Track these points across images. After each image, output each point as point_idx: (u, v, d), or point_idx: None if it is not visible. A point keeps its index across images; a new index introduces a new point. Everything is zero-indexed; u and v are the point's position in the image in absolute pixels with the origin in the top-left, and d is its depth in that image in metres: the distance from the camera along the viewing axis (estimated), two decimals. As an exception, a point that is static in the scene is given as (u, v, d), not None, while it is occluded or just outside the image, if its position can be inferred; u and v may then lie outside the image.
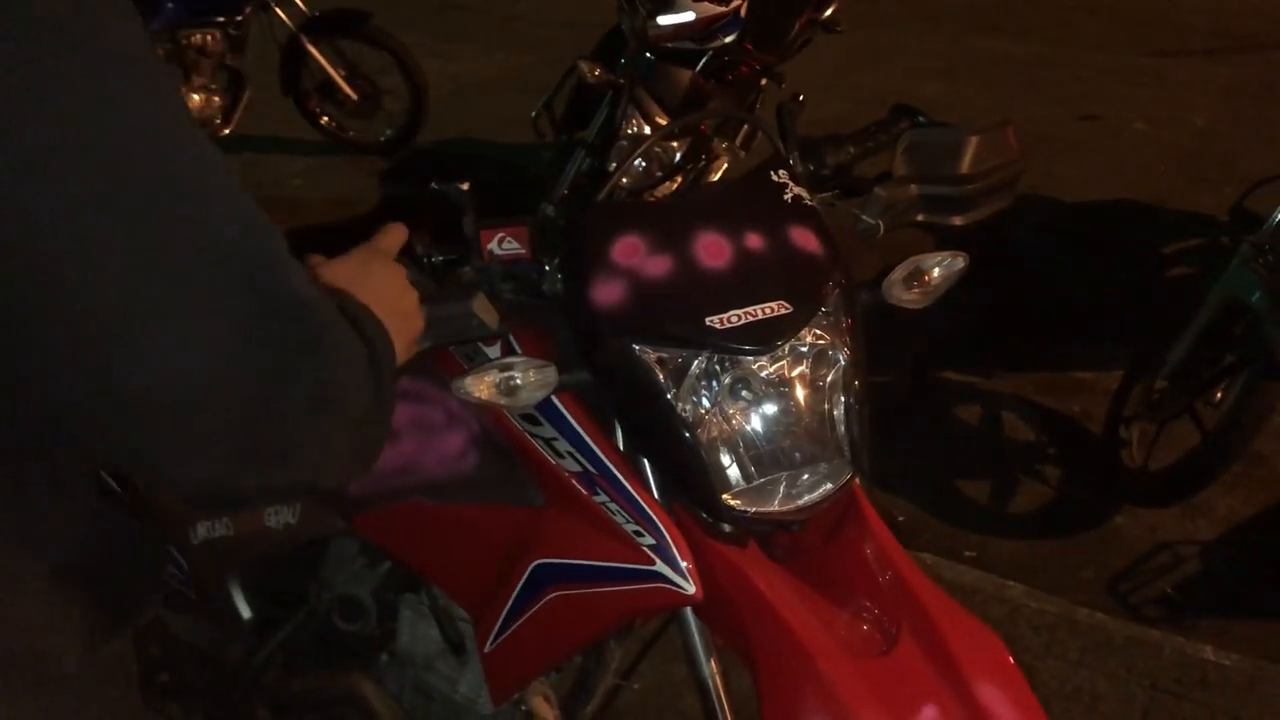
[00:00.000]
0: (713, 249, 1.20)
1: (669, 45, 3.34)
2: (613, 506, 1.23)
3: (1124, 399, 3.04)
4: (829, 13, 3.70)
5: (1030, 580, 2.69)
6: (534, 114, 3.75)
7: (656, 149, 3.39)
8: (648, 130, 3.42)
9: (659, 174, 3.43)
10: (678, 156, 3.45)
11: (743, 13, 3.33)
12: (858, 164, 1.49)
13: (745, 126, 3.51)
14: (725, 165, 3.57)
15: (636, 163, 3.41)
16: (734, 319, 1.15)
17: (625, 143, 3.36)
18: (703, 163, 3.52)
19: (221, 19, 5.00)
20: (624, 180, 3.38)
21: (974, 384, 3.55)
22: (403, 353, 0.98)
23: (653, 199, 3.26)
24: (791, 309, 1.17)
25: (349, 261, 1.00)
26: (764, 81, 3.64)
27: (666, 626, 1.53)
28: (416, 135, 5.35)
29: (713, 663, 1.27)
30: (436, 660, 1.53)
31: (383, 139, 5.45)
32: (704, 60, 3.40)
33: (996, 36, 7.01)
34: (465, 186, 1.27)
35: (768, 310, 1.16)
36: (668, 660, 2.01)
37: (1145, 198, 4.69)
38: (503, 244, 1.27)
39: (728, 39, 3.35)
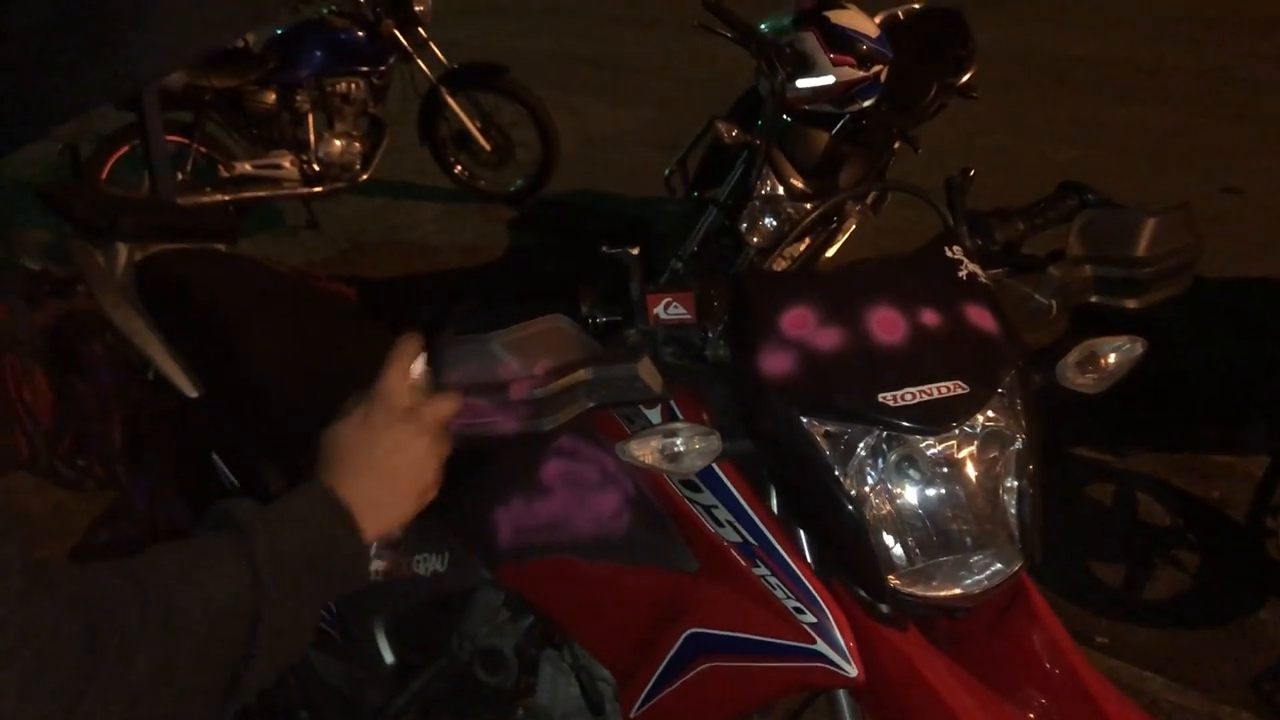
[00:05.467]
0: (886, 324, 1.18)
1: (807, 108, 3.35)
2: (773, 580, 1.22)
3: (1271, 487, 2.90)
4: (966, 78, 3.67)
5: (1165, 672, 2.58)
6: (667, 171, 3.79)
7: (789, 209, 3.39)
8: (781, 191, 3.42)
9: (789, 233, 3.42)
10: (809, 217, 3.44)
11: (882, 78, 3.32)
12: (1026, 240, 1.46)
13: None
14: (853, 226, 3.56)
15: (767, 221, 3.43)
16: (908, 397, 1.13)
17: (759, 203, 3.38)
18: (834, 224, 3.51)
19: (366, 68, 5.21)
20: (754, 239, 3.40)
21: (1107, 462, 3.43)
22: (401, 509, 0.99)
23: (786, 261, 3.27)
24: (968, 389, 1.15)
25: (350, 428, 0.99)
26: (896, 145, 3.63)
27: (812, 701, 1.50)
28: (545, 186, 5.47)
29: (864, 744, 1.25)
30: (574, 718, 1.52)
31: (512, 189, 5.57)
32: (840, 123, 3.40)
33: (1130, 104, 6.85)
34: (635, 252, 1.29)
35: (944, 390, 1.14)
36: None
37: (1293, 277, 4.50)
38: (669, 309, 1.27)
39: (866, 103, 3.34)
